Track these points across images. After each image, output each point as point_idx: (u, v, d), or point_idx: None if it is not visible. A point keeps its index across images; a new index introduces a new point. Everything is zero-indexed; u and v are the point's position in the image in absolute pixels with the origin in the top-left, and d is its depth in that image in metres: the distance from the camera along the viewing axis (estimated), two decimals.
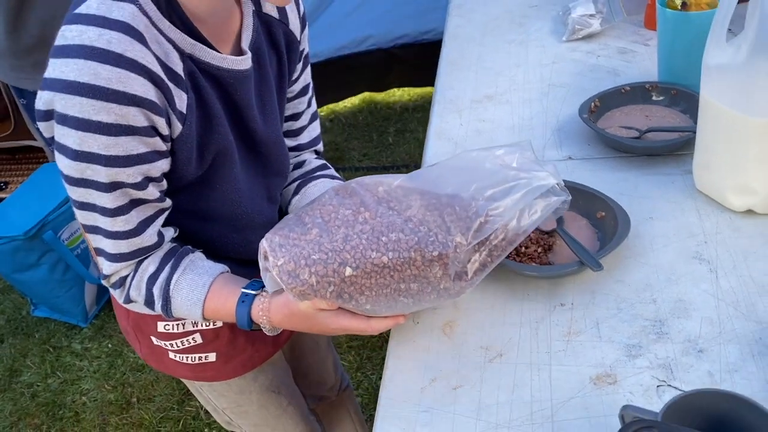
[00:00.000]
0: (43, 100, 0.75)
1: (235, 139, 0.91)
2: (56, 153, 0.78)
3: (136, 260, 0.87)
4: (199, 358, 1.07)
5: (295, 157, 1.12)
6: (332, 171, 1.11)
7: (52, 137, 0.79)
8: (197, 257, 0.91)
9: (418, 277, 0.79)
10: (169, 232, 0.90)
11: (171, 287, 0.88)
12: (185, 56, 0.81)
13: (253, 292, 0.87)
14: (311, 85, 1.09)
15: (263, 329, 0.88)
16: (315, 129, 1.12)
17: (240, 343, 1.08)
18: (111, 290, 1.03)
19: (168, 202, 0.87)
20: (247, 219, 0.97)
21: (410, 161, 3.03)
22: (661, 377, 0.81)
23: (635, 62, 1.43)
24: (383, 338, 2.25)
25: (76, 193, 0.80)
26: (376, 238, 0.77)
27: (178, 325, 1.03)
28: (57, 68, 0.73)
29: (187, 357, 1.07)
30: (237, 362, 1.10)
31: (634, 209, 1.04)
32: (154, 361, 1.12)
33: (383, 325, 0.84)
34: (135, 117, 0.75)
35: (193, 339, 1.04)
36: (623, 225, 0.99)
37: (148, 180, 0.81)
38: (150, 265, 0.87)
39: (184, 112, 0.81)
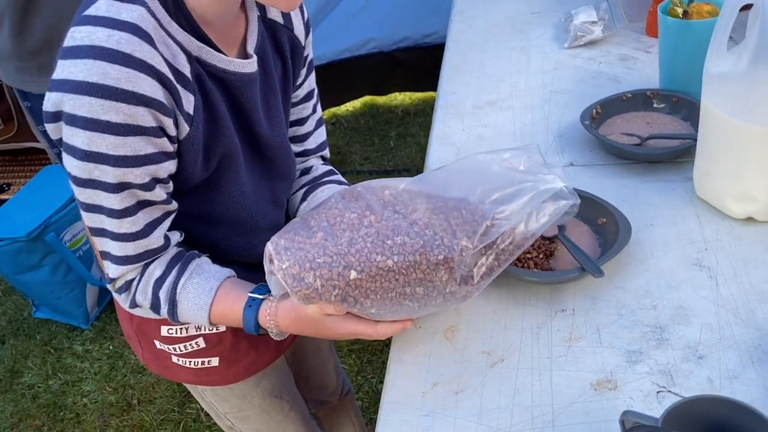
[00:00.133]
0: (52, 101, 0.76)
1: (241, 142, 0.92)
2: (64, 154, 0.79)
3: (143, 263, 0.87)
4: (202, 363, 1.07)
5: (302, 162, 1.12)
6: (339, 176, 1.11)
7: (58, 139, 0.79)
8: (204, 261, 0.92)
9: (424, 281, 0.78)
10: (175, 236, 0.90)
11: (177, 291, 0.88)
12: (192, 58, 0.82)
13: (261, 297, 0.87)
14: (316, 91, 1.09)
15: (270, 334, 0.89)
16: (321, 135, 1.13)
17: (243, 348, 1.08)
18: (116, 296, 1.03)
19: (174, 205, 0.88)
20: (252, 222, 0.98)
21: (412, 165, 3.03)
22: (661, 383, 0.82)
23: (637, 69, 1.44)
24: (384, 342, 2.25)
25: (83, 195, 0.80)
26: (381, 242, 0.77)
27: (181, 329, 1.04)
28: (66, 69, 0.74)
29: (190, 361, 1.07)
30: (240, 367, 1.10)
31: (634, 216, 1.05)
32: (155, 366, 1.12)
33: (390, 330, 0.83)
34: (143, 117, 0.75)
35: (196, 343, 1.05)
36: (624, 231, 0.99)
37: (156, 181, 0.82)
38: (156, 269, 0.88)
39: (191, 113, 0.82)
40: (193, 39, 0.81)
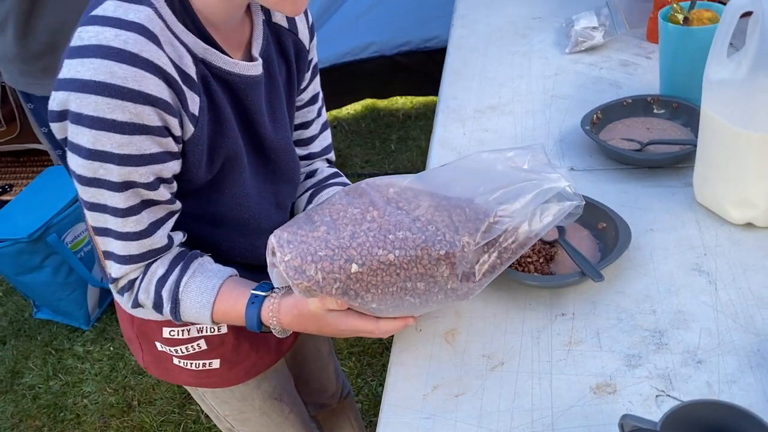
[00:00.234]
0: (57, 100, 0.76)
1: (245, 144, 0.92)
2: (69, 153, 0.79)
3: (145, 263, 0.88)
4: (203, 365, 1.08)
5: (307, 166, 1.13)
6: (344, 179, 1.12)
7: (63, 138, 0.80)
8: (206, 260, 0.92)
9: (425, 276, 0.78)
10: (178, 236, 0.91)
11: (180, 290, 0.88)
12: (198, 60, 0.83)
13: (263, 294, 0.88)
14: (321, 95, 1.10)
15: (273, 331, 0.89)
16: (326, 138, 1.14)
17: (244, 350, 1.08)
18: (117, 297, 1.04)
19: (178, 205, 0.88)
20: (255, 224, 0.98)
21: (412, 169, 3.04)
22: (660, 387, 0.82)
23: (637, 75, 1.45)
24: (384, 345, 2.26)
25: (87, 194, 0.81)
26: (383, 236, 0.77)
27: (183, 330, 1.04)
28: (73, 68, 0.74)
29: (191, 363, 1.08)
30: (240, 369, 1.10)
31: (634, 221, 1.05)
32: (156, 369, 1.12)
33: (392, 327, 0.84)
34: (149, 116, 0.76)
35: (197, 345, 1.05)
36: (624, 236, 1.00)
37: (160, 181, 0.82)
38: (159, 268, 0.88)
39: (197, 114, 0.83)
40: (199, 41, 0.82)
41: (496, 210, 0.79)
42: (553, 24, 1.73)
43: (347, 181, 1.12)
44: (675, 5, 1.26)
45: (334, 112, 3.46)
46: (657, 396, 0.81)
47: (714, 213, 1.05)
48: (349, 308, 0.81)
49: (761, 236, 1.00)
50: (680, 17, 1.24)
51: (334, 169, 1.14)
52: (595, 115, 1.28)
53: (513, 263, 1.00)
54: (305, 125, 1.09)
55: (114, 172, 0.78)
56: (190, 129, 0.82)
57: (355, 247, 0.76)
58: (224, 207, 0.94)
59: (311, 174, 1.12)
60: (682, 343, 0.87)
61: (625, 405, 0.81)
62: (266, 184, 0.99)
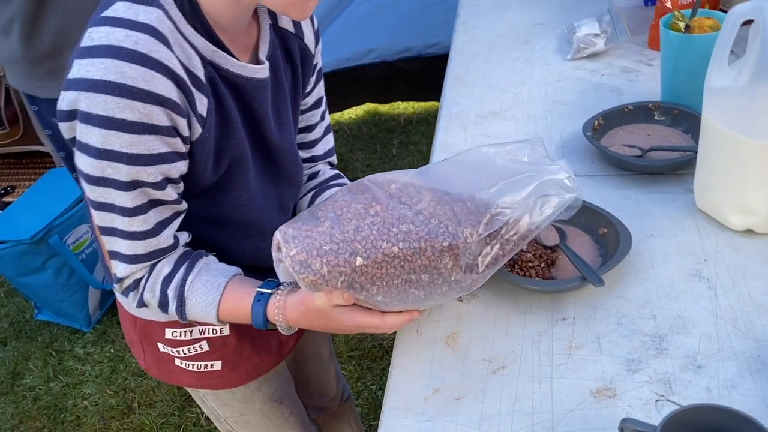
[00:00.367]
0: (67, 100, 0.77)
1: (251, 147, 0.93)
2: (77, 152, 0.80)
3: (151, 262, 0.88)
4: (205, 366, 1.08)
5: (310, 168, 1.14)
6: (346, 180, 1.13)
7: (71, 139, 0.80)
8: (211, 260, 0.93)
9: (429, 268, 0.79)
10: (184, 236, 0.91)
11: (186, 288, 0.89)
12: (206, 62, 0.83)
13: (269, 291, 0.88)
14: (324, 99, 1.11)
15: (279, 328, 0.89)
16: (329, 141, 1.15)
17: (245, 352, 1.09)
18: (121, 298, 1.04)
19: (184, 205, 0.89)
20: (258, 226, 0.99)
21: None
22: (660, 392, 0.83)
23: (638, 82, 1.46)
24: (384, 349, 2.26)
25: (94, 193, 0.81)
26: (386, 230, 0.78)
27: (185, 332, 1.05)
28: (83, 68, 0.75)
29: (193, 364, 1.08)
30: (242, 371, 1.11)
31: (635, 226, 1.06)
32: (157, 371, 1.12)
33: (398, 321, 0.84)
34: (158, 116, 0.77)
35: (200, 346, 1.06)
36: (625, 242, 1.00)
37: (167, 181, 0.83)
38: (165, 267, 0.89)
39: (204, 115, 0.83)
40: (208, 43, 0.83)
41: (498, 202, 0.80)
42: (555, 30, 1.74)
43: (348, 182, 1.12)
44: (677, 13, 1.27)
45: (336, 117, 3.47)
46: (657, 400, 0.82)
47: (714, 219, 1.06)
48: (354, 304, 0.82)
49: (761, 243, 1.01)
50: (682, 25, 1.25)
51: (336, 171, 1.14)
52: (596, 122, 1.29)
53: (514, 267, 1.01)
54: (309, 128, 1.10)
55: (122, 172, 0.79)
56: (198, 130, 0.83)
57: (359, 241, 0.77)
58: (229, 208, 0.95)
59: (314, 176, 1.13)
60: (682, 348, 0.87)
61: (625, 409, 0.81)
62: (270, 186, 1.00)
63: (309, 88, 1.06)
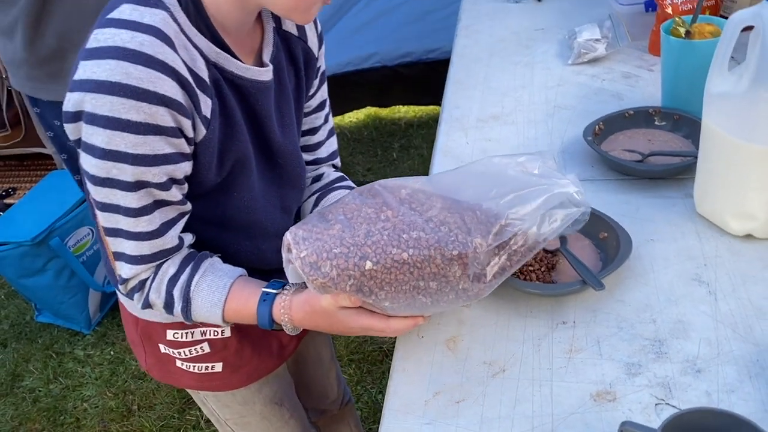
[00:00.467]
0: (72, 101, 0.77)
1: (254, 149, 0.93)
2: (82, 153, 0.80)
3: (156, 263, 0.88)
4: (206, 368, 1.09)
5: (314, 171, 1.14)
6: (350, 182, 1.13)
7: (76, 140, 0.81)
8: (216, 261, 0.93)
9: (438, 276, 0.80)
10: (188, 237, 0.92)
11: (191, 289, 0.89)
12: (210, 64, 0.84)
13: (274, 291, 0.88)
14: (328, 102, 1.11)
15: (284, 328, 0.89)
16: (333, 144, 1.15)
17: (246, 354, 1.09)
18: (124, 298, 1.04)
19: (188, 206, 0.89)
20: (261, 228, 0.99)
21: None
22: (659, 395, 0.83)
23: (639, 87, 1.46)
24: (384, 352, 2.26)
25: (100, 194, 0.82)
26: (397, 235, 0.78)
27: (187, 333, 1.05)
28: (88, 69, 0.76)
29: (194, 366, 1.08)
30: (243, 373, 1.11)
31: (635, 231, 1.06)
32: (158, 372, 1.12)
33: (402, 326, 0.84)
34: (163, 117, 0.77)
35: (201, 348, 1.06)
36: (625, 246, 1.01)
37: (172, 181, 0.84)
38: (170, 268, 0.89)
39: (209, 117, 0.84)
40: (212, 45, 0.84)
41: (507, 213, 0.80)
42: (556, 35, 1.75)
43: (353, 184, 1.13)
44: (677, 19, 1.27)
45: (337, 120, 3.47)
46: (656, 404, 0.82)
47: (714, 224, 1.06)
48: (360, 306, 0.82)
49: (761, 247, 1.01)
50: (682, 30, 1.26)
51: (340, 174, 1.15)
52: (597, 126, 1.29)
53: (515, 271, 1.01)
54: (313, 131, 1.11)
55: (127, 172, 0.79)
56: (202, 131, 0.84)
57: (369, 245, 0.78)
58: (231, 210, 0.95)
59: (317, 178, 1.14)
60: (682, 352, 0.88)
61: (624, 412, 0.82)
62: (273, 188, 1.01)
63: (312, 90, 1.06)
